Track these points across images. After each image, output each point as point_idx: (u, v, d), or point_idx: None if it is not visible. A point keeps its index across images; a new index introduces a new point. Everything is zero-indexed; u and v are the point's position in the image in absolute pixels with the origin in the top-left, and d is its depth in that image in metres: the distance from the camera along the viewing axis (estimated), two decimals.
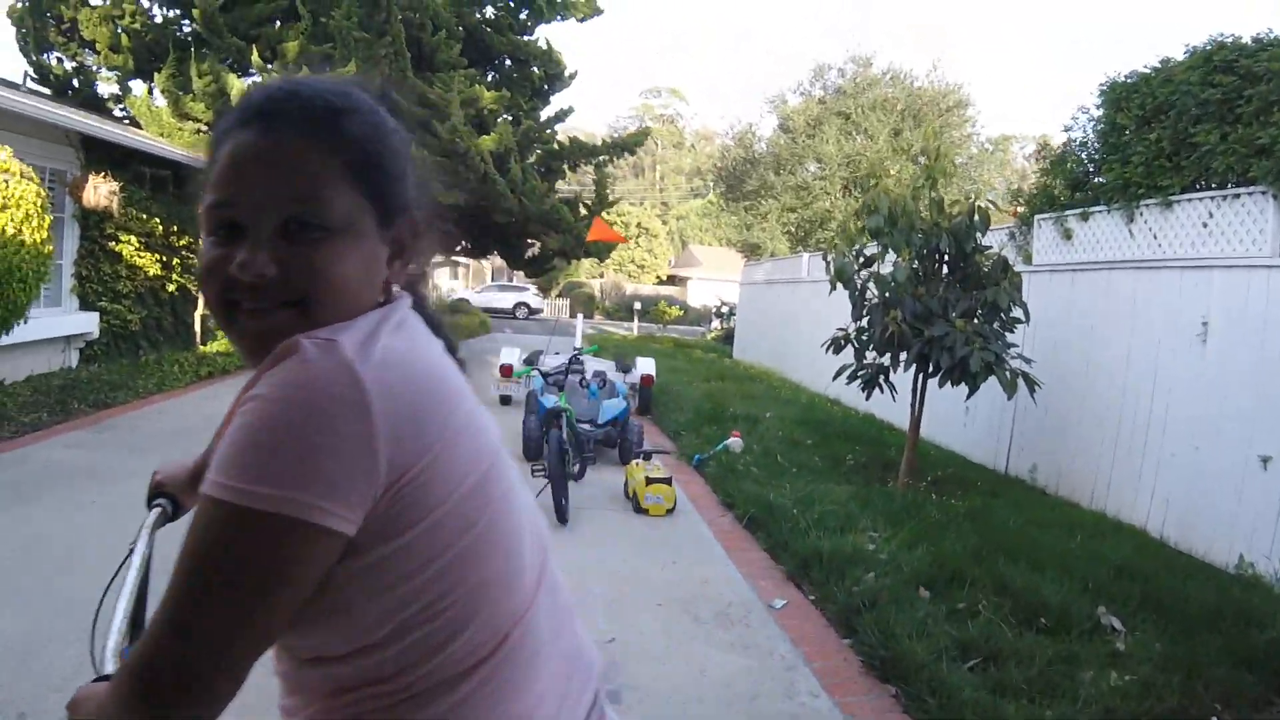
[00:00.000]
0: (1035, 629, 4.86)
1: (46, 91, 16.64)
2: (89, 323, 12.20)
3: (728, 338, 27.71)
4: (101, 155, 12.52)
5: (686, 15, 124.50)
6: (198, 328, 14.44)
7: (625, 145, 19.47)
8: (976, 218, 8.14)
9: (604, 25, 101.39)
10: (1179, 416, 7.25)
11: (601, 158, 19.44)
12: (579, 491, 7.97)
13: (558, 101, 19.33)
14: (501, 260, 26.32)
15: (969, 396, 8.00)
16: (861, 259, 8.66)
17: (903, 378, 8.38)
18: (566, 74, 19.67)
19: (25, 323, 9.30)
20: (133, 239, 12.83)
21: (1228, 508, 6.59)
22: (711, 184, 34.36)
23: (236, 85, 14.46)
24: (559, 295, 49.81)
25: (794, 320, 18.19)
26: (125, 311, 12.85)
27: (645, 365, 12.92)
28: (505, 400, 12.60)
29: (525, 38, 18.82)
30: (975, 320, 7.87)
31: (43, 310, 11.33)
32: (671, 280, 57.33)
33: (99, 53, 16.07)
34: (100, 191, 11.76)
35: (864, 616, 4.92)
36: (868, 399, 9.03)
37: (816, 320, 16.24)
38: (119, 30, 15.73)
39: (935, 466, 9.36)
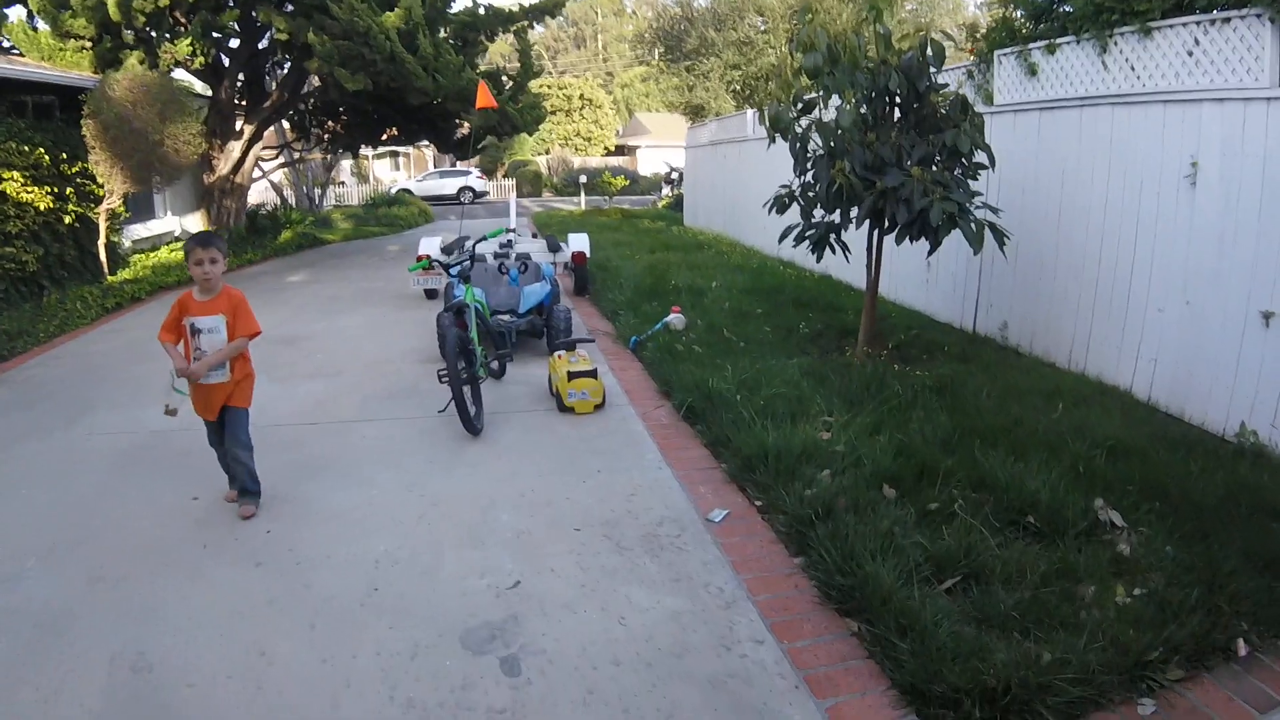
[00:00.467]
0: (1022, 530, 4.03)
1: None
2: None
3: (678, 204, 26.59)
4: None
5: None
6: (103, 258, 13.18)
7: (544, 9, 17.68)
8: (930, 52, 7.11)
9: None
10: (1167, 267, 6.32)
11: (520, 24, 17.74)
12: (499, 392, 7.08)
13: None
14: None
15: (930, 253, 7.04)
16: (799, 106, 7.58)
17: (857, 236, 7.43)
18: None
19: None
20: (15, 175, 11.57)
21: (1225, 369, 5.75)
22: (650, 47, 32.52)
23: None
24: (505, 176, 48.16)
25: (742, 181, 17.17)
26: (19, 253, 11.69)
27: (577, 242, 11.74)
28: (431, 294, 11.58)
29: None
30: (934, 168, 6.93)
31: None
32: (620, 151, 55.56)
33: None
34: None
35: (818, 529, 4.07)
36: (818, 261, 8.08)
37: (765, 179, 15.38)
38: None
39: (898, 330, 8.54)
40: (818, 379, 6.64)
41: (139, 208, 16.57)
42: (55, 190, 12.38)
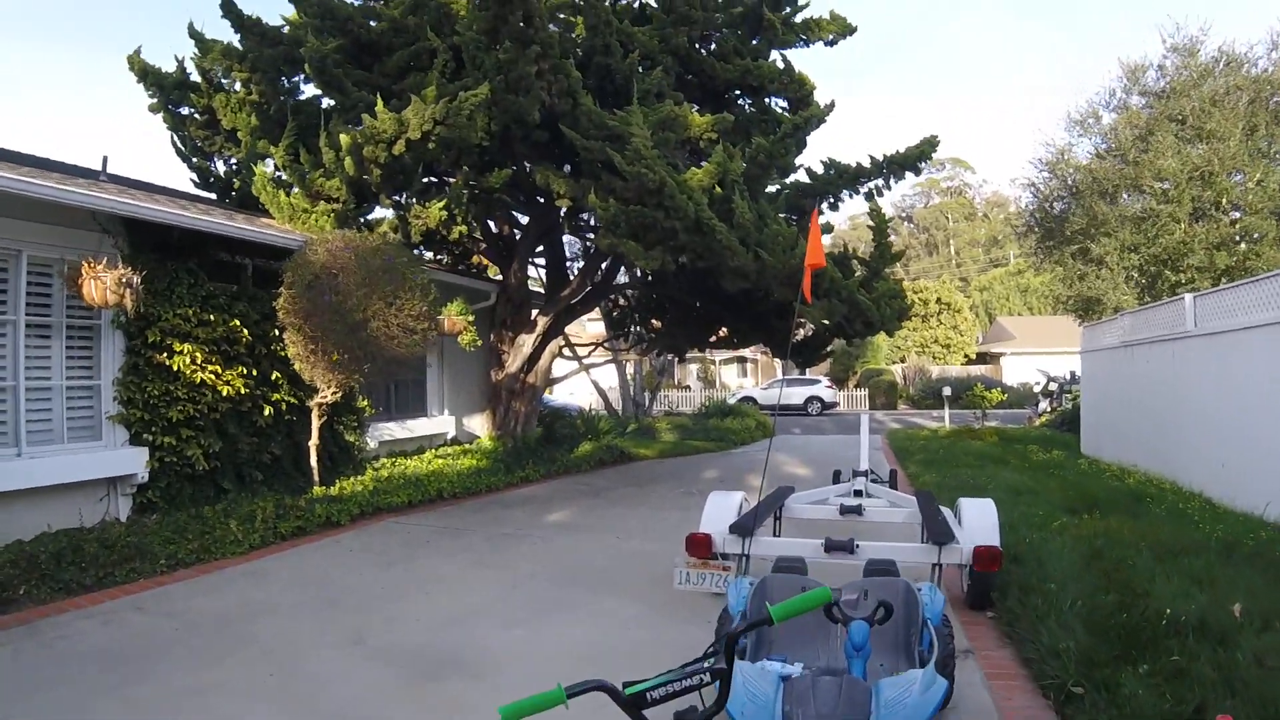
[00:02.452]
0: None
1: (211, 196, 13.13)
2: (133, 461, 8.25)
3: (1064, 423, 20.46)
4: (148, 241, 8.55)
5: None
6: (314, 462, 9.76)
7: (904, 162, 12.74)
8: None
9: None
10: None
11: (873, 183, 12.92)
12: None
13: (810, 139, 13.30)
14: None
15: None
16: None
17: None
18: (819, 101, 13.22)
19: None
20: (188, 348, 8.53)
21: None
22: (1020, 234, 26.79)
23: (345, 140, 9.91)
24: (857, 385, 43.23)
25: (1181, 396, 11.30)
26: (186, 445, 8.62)
27: (978, 524, 5.85)
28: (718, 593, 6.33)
29: (757, 61, 13.18)
30: None
31: (64, 445, 8.00)
32: (982, 359, 49.06)
33: (240, 142, 12.34)
34: (104, 282, 7.53)
35: None
36: None
37: (1224, 392, 10.13)
38: (252, 113, 12.03)
39: None
40: None
41: (404, 402, 13.34)
42: (254, 372, 9.30)
